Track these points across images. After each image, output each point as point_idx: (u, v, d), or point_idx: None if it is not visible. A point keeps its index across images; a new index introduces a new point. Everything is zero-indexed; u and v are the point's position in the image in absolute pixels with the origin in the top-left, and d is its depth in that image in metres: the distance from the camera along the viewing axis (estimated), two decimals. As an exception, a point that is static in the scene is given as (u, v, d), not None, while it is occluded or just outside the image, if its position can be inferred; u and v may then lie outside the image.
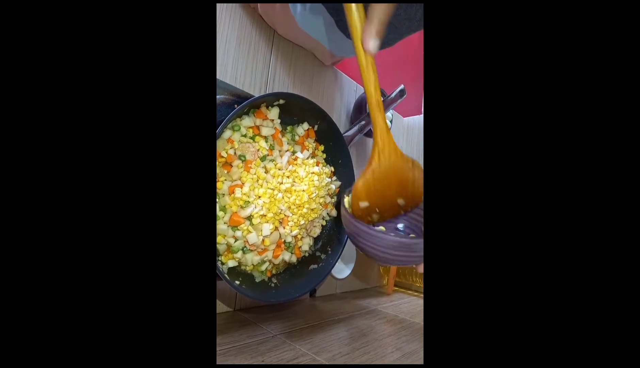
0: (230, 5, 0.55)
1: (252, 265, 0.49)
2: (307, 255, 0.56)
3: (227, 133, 0.47)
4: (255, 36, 0.59)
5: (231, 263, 0.47)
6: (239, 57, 0.56)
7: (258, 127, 0.50)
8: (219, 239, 0.45)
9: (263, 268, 0.50)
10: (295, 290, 0.51)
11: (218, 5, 0.53)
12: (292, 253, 0.53)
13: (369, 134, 0.76)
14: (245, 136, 0.48)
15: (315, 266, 0.56)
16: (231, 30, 0.55)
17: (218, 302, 0.54)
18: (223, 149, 0.46)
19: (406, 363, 0.43)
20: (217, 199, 0.46)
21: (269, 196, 0.47)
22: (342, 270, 0.75)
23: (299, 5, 0.54)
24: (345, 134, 0.59)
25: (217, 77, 0.52)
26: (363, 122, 0.61)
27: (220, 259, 0.46)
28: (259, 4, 0.57)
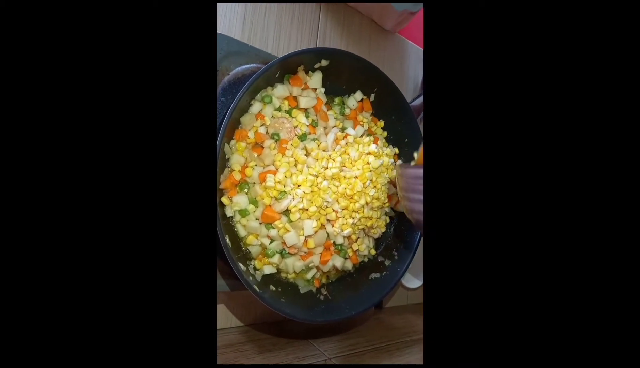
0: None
1: (295, 272, 0.40)
2: (366, 260, 0.47)
3: (257, 107, 0.38)
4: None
5: (267, 270, 0.39)
6: (282, 28, 0.50)
7: (295, 98, 0.41)
8: (250, 239, 0.37)
9: (309, 275, 0.41)
10: (351, 306, 0.42)
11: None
12: (345, 258, 0.43)
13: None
14: (279, 109, 0.40)
15: (378, 275, 0.47)
16: (271, -4, 0.49)
17: (265, 311, 0.47)
18: (251, 127, 0.38)
19: None
20: (247, 190, 0.38)
21: (310, 184, 0.38)
22: (413, 277, 0.63)
23: None
24: (413, 103, 0.48)
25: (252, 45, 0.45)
26: (436, 88, 0.48)
27: (253, 264, 0.38)
28: None
